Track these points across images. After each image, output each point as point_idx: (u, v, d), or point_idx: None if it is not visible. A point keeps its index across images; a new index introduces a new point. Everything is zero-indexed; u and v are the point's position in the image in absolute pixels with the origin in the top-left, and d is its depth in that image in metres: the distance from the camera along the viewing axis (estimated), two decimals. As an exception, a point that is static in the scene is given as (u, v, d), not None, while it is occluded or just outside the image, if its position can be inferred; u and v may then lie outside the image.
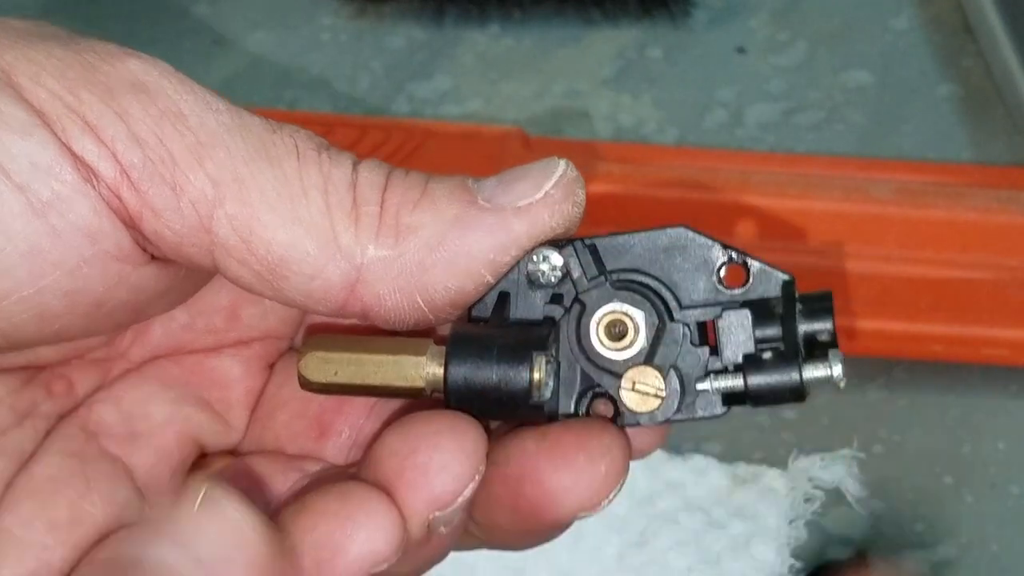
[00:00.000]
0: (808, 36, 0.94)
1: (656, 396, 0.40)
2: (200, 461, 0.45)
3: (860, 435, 0.67)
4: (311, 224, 0.38)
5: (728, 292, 0.41)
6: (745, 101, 0.91)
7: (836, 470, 0.65)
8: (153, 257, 0.40)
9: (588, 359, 0.41)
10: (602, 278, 0.41)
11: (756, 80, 0.92)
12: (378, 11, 0.96)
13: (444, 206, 0.39)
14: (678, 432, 0.74)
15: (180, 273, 0.41)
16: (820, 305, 0.41)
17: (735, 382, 0.40)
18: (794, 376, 0.40)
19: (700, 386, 0.41)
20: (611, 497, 0.40)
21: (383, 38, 0.95)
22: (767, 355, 0.40)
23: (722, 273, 0.41)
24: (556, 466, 0.39)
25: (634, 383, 0.40)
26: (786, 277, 0.41)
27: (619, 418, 0.41)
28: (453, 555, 0.67)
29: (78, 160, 0.37)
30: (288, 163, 0.39)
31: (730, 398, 0.41)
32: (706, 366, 0.41)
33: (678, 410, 0.41)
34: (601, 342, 0.41)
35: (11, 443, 0.42)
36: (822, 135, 0.89)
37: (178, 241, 0.38)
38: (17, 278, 0.37)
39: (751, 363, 0.40)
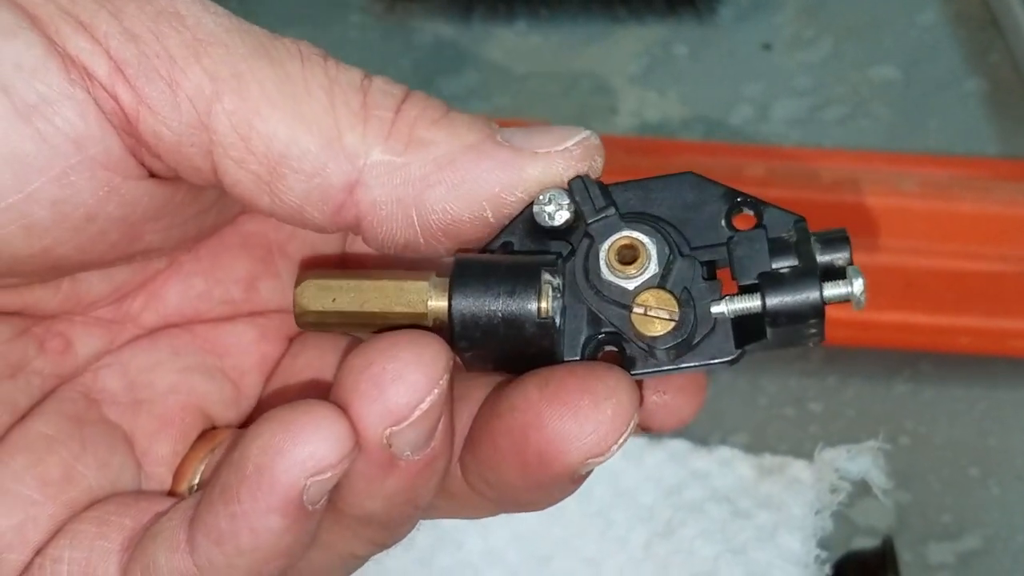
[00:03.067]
0: (834, 32, 0.95)
1: (668, 319, 0.38)
2: (207, 434, 0.43)
3: (886, 427, 0.67)
4: (314, 121, 0.37)
5: (741, 234, 0.39)
6: (771, 97, 0.91)
7: (862, 461, 0.65)
8: (150, 175, 0.38)
9: (597, 292, 0.39)
10: (612, 209, 0.39)
11: (782, 76, 0.92)
12: (406, 8, 0.97)
13: (463, 131, 0.38)
14: (705, 424, 0.74)
15: (177, 196, 0.39)
16: (835, 235, 0.39)
17: (752, 303, 0.38)
18: (814, 292, 0.37)
19: (714, 309, 0.38)
20: (620, 442, 0.37)
21: (411, 35, 0.96)
22: (785, 272, 0.38)
23: (732, 217, 0.40)
24: (560, 412, 0.37)
25: (646, 307, 0.38)
26: (797, 216, 0.39)
27: (628, 366, 0.39)
28: (482, 543, 0.68)
29: (70, 61, 0.36)
30: (291, 63, 0.38)
31: (744, 331, 0.38)
32: (719, 296, 0.39)
33: (690, 347, 0.38)
34: (611, 267, 0.39)
35: (2, 394, 0.41)
36: (848, 130, 0.89)
37: (176, 140, 0.37)
38: (1, 183, 0.36)
39: (768, 280, 0.38)
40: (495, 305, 0.38)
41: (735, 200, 0.40)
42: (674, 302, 0.38)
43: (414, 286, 0.39)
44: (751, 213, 0.39)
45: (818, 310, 0.37)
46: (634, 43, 0.95)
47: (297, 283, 0.40)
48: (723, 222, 0.39)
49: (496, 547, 0.67)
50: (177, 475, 0.42)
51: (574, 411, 0.37)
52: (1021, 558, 0.70)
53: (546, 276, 0.38)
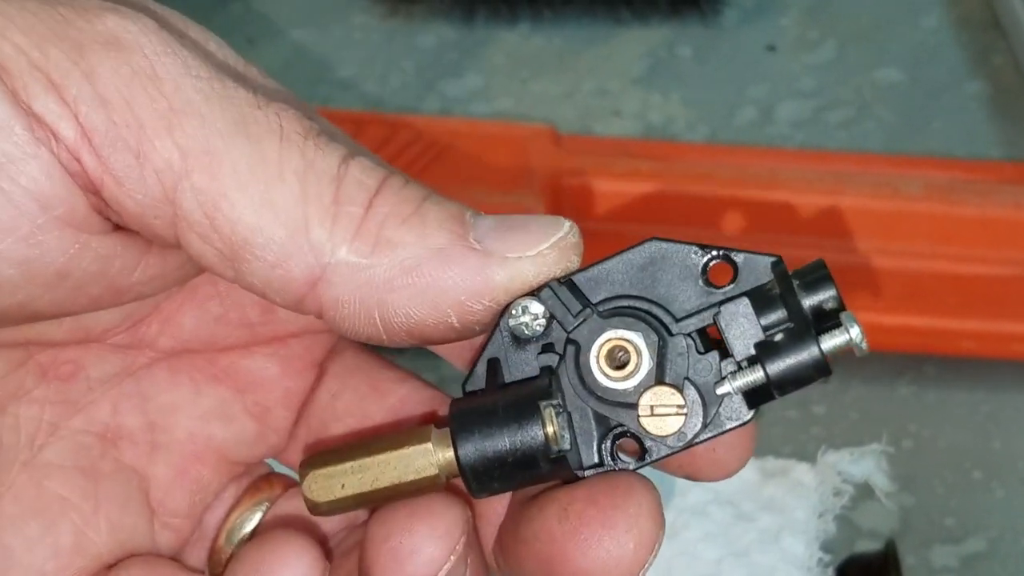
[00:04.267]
0: (838, 34, 0.95)
1: (678, 414, 0.38)
2: (260, 483, 0.43)
3: (889, 430, 0.67)
4: (283, 210, 0.36)
5: (720, 291, 0.39)
6: (775, 99, 0.91)
7: (865, 464, 0.65)
8: (117, 226, 0.37)
9: (598, 398, 0.38)
10: (588, 311, 0.38)
11: (786, 78, 0.92)
12: (409, 10, 0.97)
13: (432, 231, 0.37)
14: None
15: (152, 246, 0.38)
16: (817, 275, 0.38)
17: (755, 375, 0.37)
18: (813, 350, 0.37)
19: (720, 390, 0.38)
20: (645, 568, 0.37)
21: (414, 37, 0.96)
22: (779, 337, 0.37)
23: (708, 274, 0.39)
24: (582, 549, 0.37)
25: (652, 407, 0.38)
26: (773, 258, 0.39)
27: (647, 454, 0.38)
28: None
29: (36, 120, 0.35)
30: (269, 141, 0.36)
31: (754, 396, 0.38)
32: (720, 370, 0.38)
33: (705, 425, 0.38)
34: (605, 374, 0.38)
35: None
36: (852, 133, 0.89)
37: (140, 212, 0.36)
38: None
39: (765, 350, 0.37)
40: (504, 450, 0.37)
41: (706, 256, 0.39)
42: (678, 396, 0.38)
43: (418, 451, 0.38)
44: (727, 265, 0.39)
45: (822, 367, 0.37)
46: (637, 45, 0.95)
47: (301, 477, 0.39)
48: (700, 282, 0.39)
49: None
50: (221, 529, 0.43)
51: (597, 549, 0.37)
52: (1025, 561, 0.70)
53: (546, 409, 0.37)
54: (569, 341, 0.38)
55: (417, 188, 0.38)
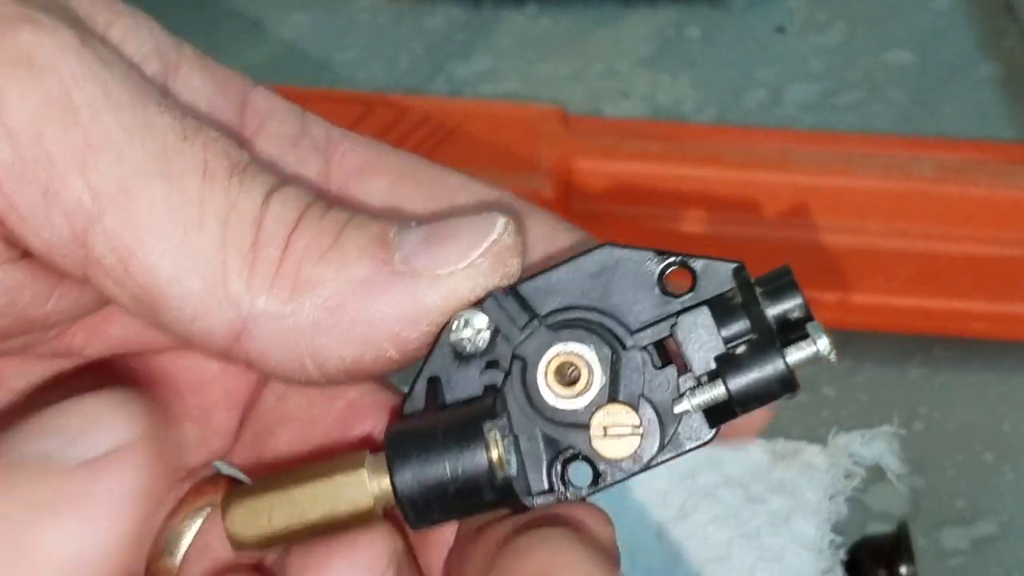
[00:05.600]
0: (848, 16, 0.94)
1: (632, 435, 0.35)
2: (199, 486, 0.40)
3: (900, 412, 0.66)
4: (200, 259, 0.33)
5: (678, 300, 0.36)
6: (784, 81, 0.90)
7: (876, 446, 0.65)
8: (25, 253, 0.34)
9: (546, 419, 0.35)
10: (536, 323, 0.35)
11: (795, 60, 0.92)
12: (417, -8, 0.96)
13: (352, 262, 0.34)
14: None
15: (66, 278, 0.35)
16: (781, 282, 0.36)
17: (715, 392, 0.35)
18: (778, 364, 0.34)
19: (678, 408, 0.35)
20: None
21: (422, 19, 0.95)
22: (741, 350, 0.35)
23: (664, 282, 0.36)
24: None
25: (605, 428, 0.35)
26: (734, 264, 0.36)
27: (601, 478, 0.35)
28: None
29: None
30: (190, 180, 0.33)
31: (715, 413, 0.35)
32: (678, 386, 0.35)
33: (662, 446, 0.35)
34: (554, 392, 0.35)
35: None
36: (862, 115, 0.88)
37: (47, 250, 0.33)
38: None
39: (726, 364, 0.35)
40: (444, 477, 0.34)
41: (663, 263, 0.36)
42: (633, 415, 0.35)
43: (351, 479, 0.34)
44: (685, 272, 0.36)
45: (788, 382, 0.34)
46: (646, 26, 0.94)
47: (223, 509, 0.35)
48: (657, 291, 0.36)
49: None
50: (160, 536, 0.40)
51: None
52: (1036, 544, 0.69)
53: (491, 431, 0.34)
54: (515, 357, 0.36)
55: (337, 215, 0.35)
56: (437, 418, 0.35)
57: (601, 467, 0.36)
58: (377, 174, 0.39)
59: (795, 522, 0.65)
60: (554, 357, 0.35)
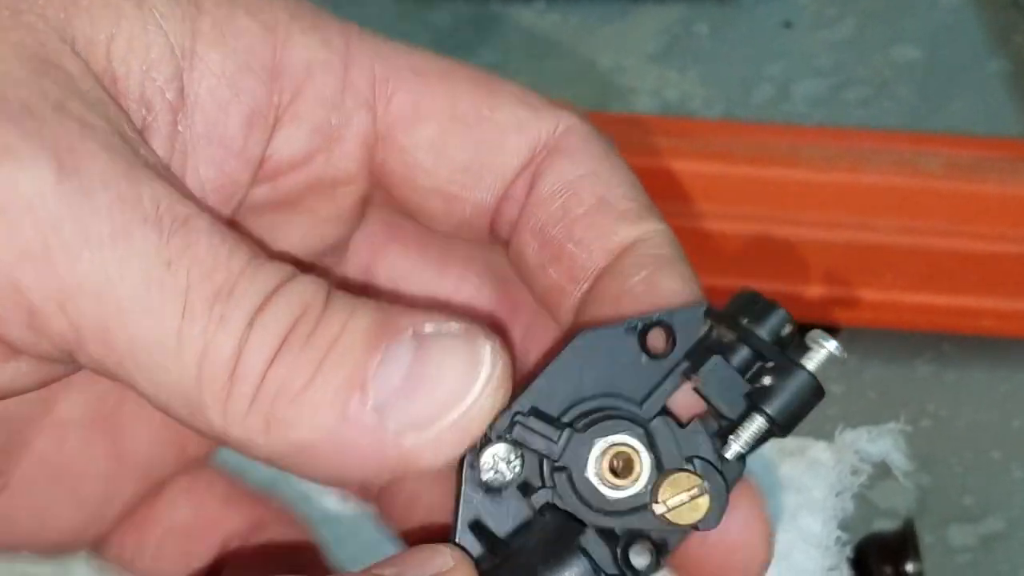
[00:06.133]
0: (856, 11, 0.94)
1: (699, 492, 0.36)
2: None
3: (908, 409, 0.67)
4: (180, 391, 0.33)
5: (667, 359, 0.37)
6: (792, 76, 0.90)
7: (883, 443, 0.64)
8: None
9: (606, 513, 0.36)
10: (568, 430, 0.36)
11: (804, 55, 0.91)
12: (424, -13, 0.96)
13: (324, 409, 0.33)
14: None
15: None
16: (760, 305, 0.37)
17: (758, 425, 0.36)
18: (804, 377, 0.35)
19: (730, 454, 0.36)
20: None
21: (428, 14, 0.95)
22: (766, 379, 0.36)
23: (648, 347, 0.37)
24: None
25: (668, 505, 0.36)
26: (703, 306, 0.37)
27: (663, 548, 0.37)
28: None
29: None
30: (169, 320, 0.33)
31: (759, 441, 0.37)
32: (713, 436, 0.36)
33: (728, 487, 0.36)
34: (611, 485, 0.36)
35: None
36: (871, 111, 0.88)
37: (35, 354, 0.34)
38: None
39: (757, 398, 0.36)
40: None
41: (638, 330, 0.37)
42: (694, 476, 0.36)
43: None
44: (660, 330, 0.37)
45: (818, 389, 0.36)
46: (654, 22, 0.94)
47: None
48: (644, 358, 0.37)
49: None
50: None
51: None
52: (1044, 542, 0.69)
53: (587, 542, 0.36)
54: (556, 469, 0.36)
55: (323, 336, 0.33)
56: (525, 557, 0.35)
57: (664, 538, 0.36)
58: (424, 121, 0.39)
59: (802, 519, 0.65)
60: (602, 454, 0.36)
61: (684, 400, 0.37)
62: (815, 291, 0.75)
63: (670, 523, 0.36)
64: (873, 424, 0.65)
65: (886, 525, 0.68)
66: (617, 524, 0.36)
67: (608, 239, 0.38)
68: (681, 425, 0.37)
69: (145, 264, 0.33)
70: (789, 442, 0.68)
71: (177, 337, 0.33)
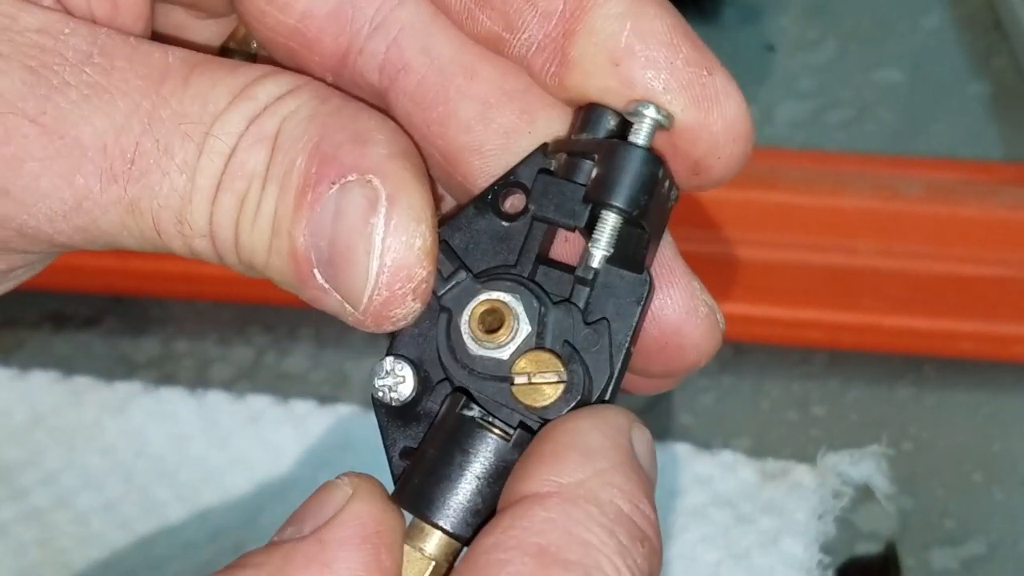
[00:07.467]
0: (838, 34, 0.94)
1: (556, 379, 0.35)
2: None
3: (889, 432, 0.67)
4: None
5: (526, 215, 0.36)
6: (775, 99, 0.91)
7: (865, 466, 0.65)
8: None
9: (469, 371, 0.36)
10: (463, 272, 0.36)
11: (786, 78, 0.92)
12: None
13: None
14: (707, 428, 0.74)
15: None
16: (586, 115, 0.35)
17: (612, 221, 0.34)
18: (629, 148, 0.34)
19: (595, 262, 0.34)
20: None
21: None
22: (595, 171, 0.34)
23: (505, 212, 0.36)
24: None
25: (518, 380, 0.35)
26: (538, 147, 0.36)
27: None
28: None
29: None
30: None
31: (630, 252, 0.35)
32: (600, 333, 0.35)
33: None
34: (475, 339, 0.35)
35: None
36: (852, 134, 0.89)
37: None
38: None
39: (596, 190, 0.34)
40: (475, 489, 0.35)
41: (493, 196, 0.36)
42: (555, 361, 0.35)
43: (407, 560, 0.35)
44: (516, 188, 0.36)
45: (651, 158, 0.34)
46: (637, 45, 0.94)
47: None
48: (502, 226, 0.36)
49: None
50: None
51: None
52: (1025, 564, 0.69)
53: (472, 417, 0.35)
54: (441, 308, 0.36)
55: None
56: (429, 450, 0.35)
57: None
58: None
59: (784, 542, 0.65)
60: (479, 304, 0.35)
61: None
62: (795, 314, 0.75)
63: (517, 400, 0.35)
64: (855, 447, 0.65)
65: (868, 548, 0.69)
66: (474, 386, 0.35)
67: None
68: (589, 324, 0.35)
69: None
70: (771, 465, 0.68)
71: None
